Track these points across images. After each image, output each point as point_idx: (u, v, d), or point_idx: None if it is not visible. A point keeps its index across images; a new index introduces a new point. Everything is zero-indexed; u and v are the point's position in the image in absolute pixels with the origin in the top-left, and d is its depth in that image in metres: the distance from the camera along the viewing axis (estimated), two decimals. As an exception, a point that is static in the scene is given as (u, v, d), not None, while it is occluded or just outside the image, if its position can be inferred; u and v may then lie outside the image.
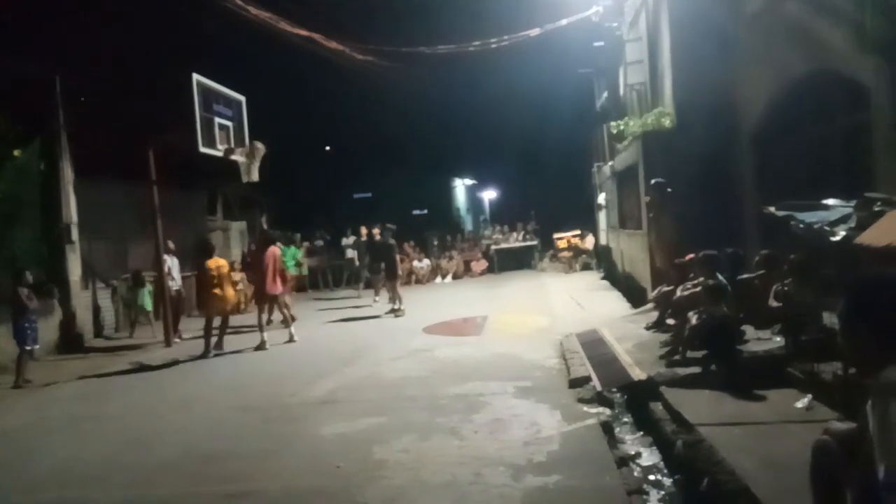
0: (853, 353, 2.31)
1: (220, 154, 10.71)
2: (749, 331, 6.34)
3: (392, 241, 13.18)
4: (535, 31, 13.75)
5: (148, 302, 12.16)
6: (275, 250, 10.44)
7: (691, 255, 7.14)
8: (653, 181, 9.35)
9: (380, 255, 13.65)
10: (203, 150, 10.14)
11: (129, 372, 8.95)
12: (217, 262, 10.03)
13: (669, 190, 9.04)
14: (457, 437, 5.08)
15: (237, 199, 19.04)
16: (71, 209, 11.40)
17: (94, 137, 12.22)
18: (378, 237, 14.29)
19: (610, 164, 14.99)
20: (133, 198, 12.37)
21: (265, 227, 11.45)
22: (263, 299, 10.32)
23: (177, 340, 10.91)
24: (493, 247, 21.36)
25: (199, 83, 10.12)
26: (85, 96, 12.28)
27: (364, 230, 17.22)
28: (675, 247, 8.46)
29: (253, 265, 11.54)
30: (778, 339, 5.89)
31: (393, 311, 12.59)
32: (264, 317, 10.34)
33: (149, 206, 10.89)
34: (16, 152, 10.82)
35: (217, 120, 10.62)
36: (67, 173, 11.38)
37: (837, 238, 4.85)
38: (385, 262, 13.26)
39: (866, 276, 2.54)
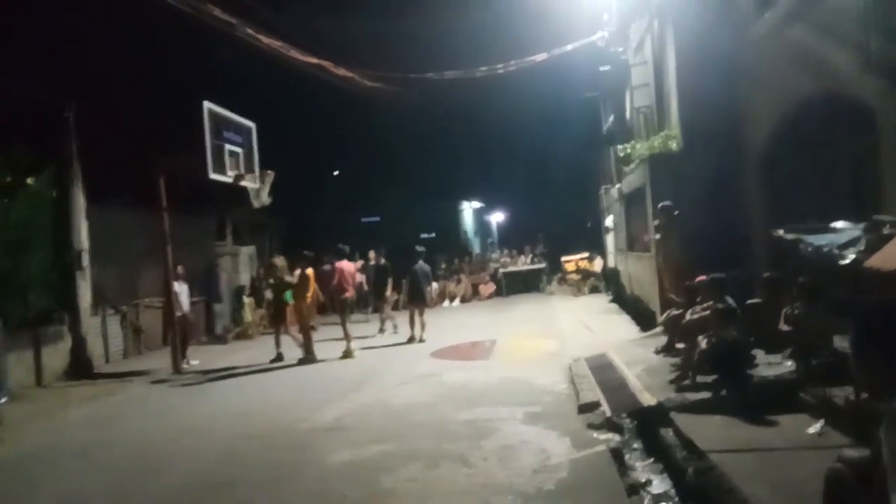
0: (866, 379, 2.29)
1: (230, 180, 10.82)
2: (759, 355, 6.27)
3: (385, 264, 13.70)
4: (541, 56, 13.89)
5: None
6: (344, 264, 11.69)
7: (702, 278, 7.10)
8: (660, 204, 9.35)
9: (378, 278, 13.90)
10: (213, 176, 10.25)
11: (137, 398, 8.95)
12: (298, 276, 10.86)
13: (676, 213, 9.03)
14: (465, 464, 5.03)
15: (246, 224, 19.15)
16: (82, 235, 11.49)
17: (106, 164, 12.37)
18: (373, 261, 15.14)
19: (617, 186, 15.01)
20: (143, 223, 12.47)
21: (340, 245, 12.11)
22: (343, 309, 11.26)
23: (185, 366, 10.91)
24: (501, 270, 21.33)
25: (210, 111, 10.27)
26: (97, 123, 12.45)
27: (372, 254, 17.23)
28: (683, 270, 8.42)
29: (323, 279, 11.95)
30: (789, 363, 5.82)
31: (380, 330, 13.29)
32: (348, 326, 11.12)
33: (159, 231, 10.97)
34: (29, 180, 10.94)
35: (227, 146, 10.74)
36: (79, 200, 11.49)
37: (847, 261, 4.82)
38: (378, 285, 13.75)
39: (876, 301, 2.53)
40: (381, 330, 13.27)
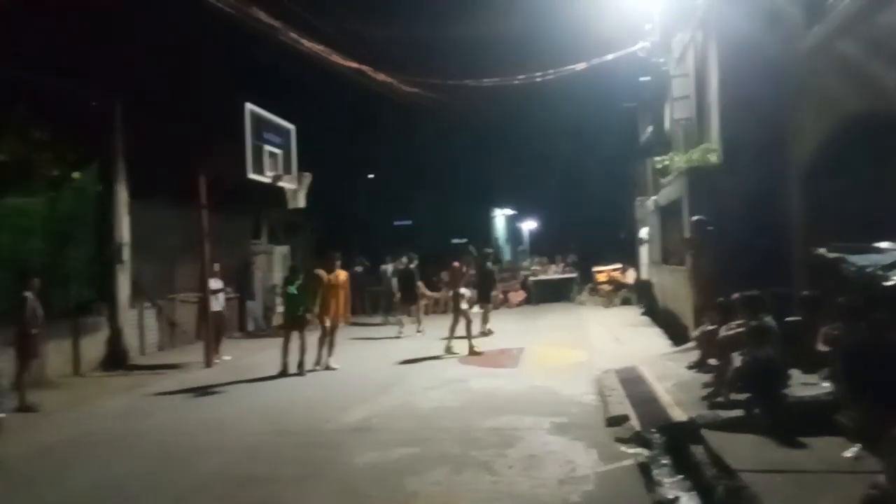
0: (858, 414, 2.29)
1: (268, 181, 10.99)
2: (796, 374, 6.13)
3: (411, 268, 14.89)
4: (581, 65, 13.84)
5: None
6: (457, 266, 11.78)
7: (737, 295, 6.98)
8: (694, 218, 9.24)
9: (405, 283, 14.98)
10: (252, 176, 10.41)
11: (170, 391, 9.13)
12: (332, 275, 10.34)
13: (710, 228, 8.91)
14: (490, 471, 5.02)
15: (281, 224, 19.42)
16: (124, 230, 11.79)
17: (149, 161, 12.67)
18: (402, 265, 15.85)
19: (653, 198, 14.84)
20: (182, 220, 12.73)
21: (473, 250, 12.77)
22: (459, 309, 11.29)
23: (217, 361, 11.09)
24: (532, 278, 21.22)
25: (251, 112, 10.44)
26: (142, 121, 12.77)
27: (405, 258, 17.37)
28: (714, 285, 8.30)
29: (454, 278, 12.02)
30: (826, 384, 5.67)
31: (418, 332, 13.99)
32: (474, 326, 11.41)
33: (197, 228, 11.19)
34: (74, 174, 11.28)
35: (266, 147, 10.91)
36: (122, 195, 11.79)
37: (891, 283, 4.70)
38: (407, 288, 14.81)
39: (853, 344, 2.50)
40: (418, 330, 14.05)
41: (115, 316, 11.52)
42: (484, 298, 13.90)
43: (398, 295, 15.63)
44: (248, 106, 10.40)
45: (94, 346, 11.06)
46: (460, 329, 11.07)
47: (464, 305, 11.27)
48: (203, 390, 9.04)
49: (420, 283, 15.30)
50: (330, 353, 10.21)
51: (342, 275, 10.61)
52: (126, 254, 11.79)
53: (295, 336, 10.02)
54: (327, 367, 10.06)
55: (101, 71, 11.80)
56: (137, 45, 13.21)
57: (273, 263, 17.97)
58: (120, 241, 11.68)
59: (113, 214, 11.64)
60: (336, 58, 11.47)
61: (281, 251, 18.67)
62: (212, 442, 6.35)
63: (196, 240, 11.33)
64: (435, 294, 17.33)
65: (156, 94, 13.64)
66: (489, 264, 13.82)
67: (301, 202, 12.02)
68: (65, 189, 11.09)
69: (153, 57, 13.52)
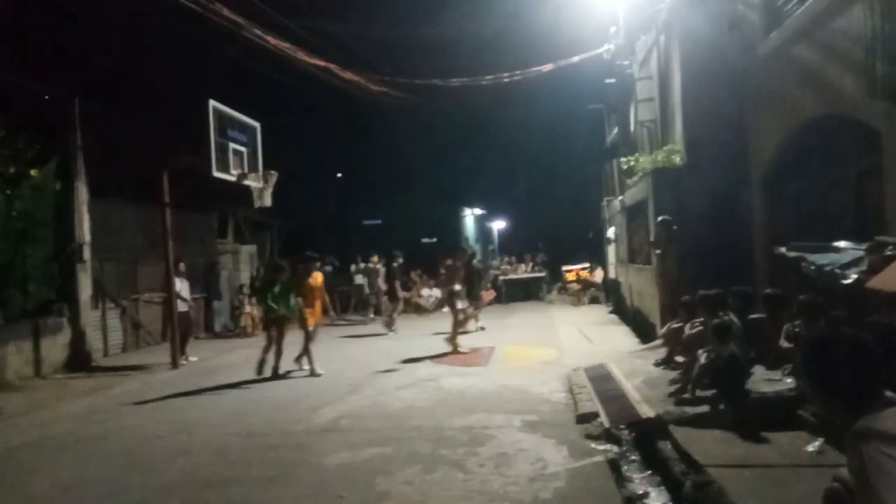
0: (820, 408, 2.35)
1: (233, 179, 10.84)
2: (760, 371, 6.29)
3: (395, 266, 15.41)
4: (547, 67, 13.98)
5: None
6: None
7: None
8: (659, 218, 9.40)
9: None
10: (217, 174, 10.27)
11: (135, 393, 8.94)
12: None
13: (675, 227, 9.08)
14: (462, 470, 5.03)
15: (248, 223, 19.19)
16: (84, 229, 11.51)
17: (110, 158, 12.41)
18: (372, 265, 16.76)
19: (620, 198, 15.05)
20: (145, 219, 12.50)
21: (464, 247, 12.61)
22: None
23: (183, 362, 10.90)
24: (502, 277, 21.34)
25: (215, 109, 10.29)
26: (102, 118, 12.49)
27: (375, 257, 17.46)
28: (679, 284, 8.46)
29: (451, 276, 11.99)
30: (789, 380, 5.84)
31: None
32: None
33: (160, 227, 10.98)
34: (32, 171, 10.97)
35: (231, 145, 10.77)
36: (82, 193, 11.50)
37: (849, 281, 4.85)
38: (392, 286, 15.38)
39: (814, 337, 2.57)
40: (392, 330, 14.29)
41: (76, 316, 11.24)
42: (473, 297, 13.84)
43: (384, 294, 16.01)
44: (212, 103, 10.25)
45: (55, 347, 10.78)
46: (467, 324, 11.18)
47: (459, 304, 11.28)
48: (169, 392, 8.87)
49: (396, 283, 15.34)
50: (310, 359, 9.48)
51: (319, 277, 10.12)
52: (87, 253, 11.51)
53: (274, 336, 9.52)
54: (312, 374, 9.33)
55: (60, 65, 11.52)
56: (98, 39, 12.92)
57: (240, 263, 17.73)
58: (80, 240, 11.40)
59: (73, 213, 11.35)
60: (302, 55, 11.36)
61: (248, 250, 18.44)
62: (178, 444, 6.24)
63: (160, 239, 11.11)
64: (406, 294, 17.33)
65: (117, 89, 13.36)
66: (475, 262, 14.08)
67: (267, 201, 11.89)
68: (22, 187, 10.79)
69: (114, 52, 13.25)
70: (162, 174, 10.90)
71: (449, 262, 11.84)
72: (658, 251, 9.63)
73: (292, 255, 10.73)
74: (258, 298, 9.72)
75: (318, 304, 9.88)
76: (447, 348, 10.87)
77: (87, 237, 11.56)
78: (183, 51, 15.25)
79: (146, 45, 14.33)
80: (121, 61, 13.93)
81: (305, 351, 9.55)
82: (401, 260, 15.72)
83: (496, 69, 14.12)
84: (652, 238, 9.98)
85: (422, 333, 14.20)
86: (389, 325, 14.40)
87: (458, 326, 11.16)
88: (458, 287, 11.52)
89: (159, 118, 14.17)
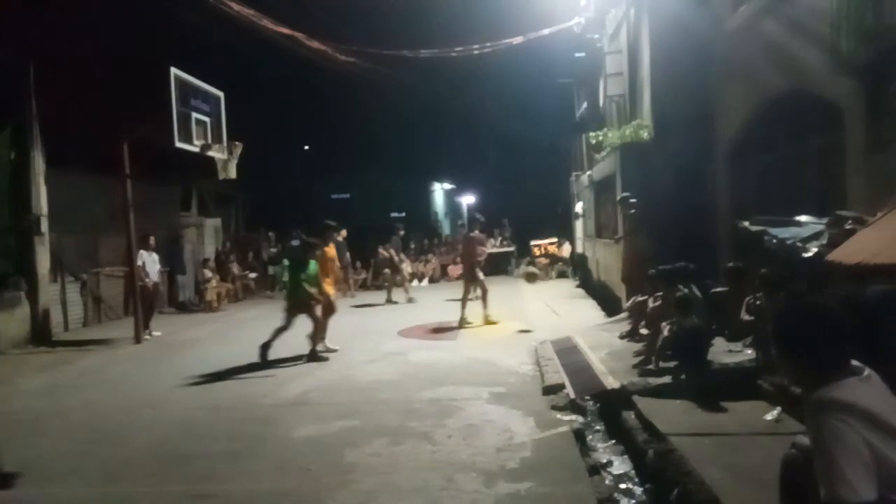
0: (788, 375, 2.40)
1: (196, 150, 10.58)
2: (721, 342, 6.43)
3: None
4: (517, 39, 13.86)
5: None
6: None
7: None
8: (619, 195, 9.50)
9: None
10: (179, 144, 10.02)
11: (96, 368, 8.77)
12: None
13: (633, 201, 9.19)
14: (429, 441, 5.06)
15: (212, 195, 18.83)
16: (41, 201, 11.15)
17: (68, 128, 11.98)
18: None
19: (588, 173, 15.13)
20: (105, 191, 12.14)
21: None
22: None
23: (147, 337, 10.72)
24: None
25: (176, 77, 10.00)
26: (59, 85, 12.02)
27: (343, 232, 17.25)
28: (642, 259, 8.57)
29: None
30: (749, 351, 5.98)
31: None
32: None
33: (121, 199, 10.69)
34: (-16, 141, 10.56)
35: (194, 115, 10.50)
36: (38, 164, 11.12)
37: (809, 254, 4.95)
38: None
39: (788, 304, 2.63)
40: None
41: (35, 290, 10.95)
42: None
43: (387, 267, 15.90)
44: (174, 70, 9.95)
45: (13, 322, 10.50)
46: (483, 298, 10.97)
47: (481, 276, 11.05)
48: (132, 367, 8.73)
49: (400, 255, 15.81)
50: (324, 336, 8.93)
51: (332, 248, 9.52)
52: (44, 225, 11.17)
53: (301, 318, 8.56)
54: (326, 349, 8.83)
55: (13, 29, 11.03)
56: (54, 1, 12.40)
57: (204, 236, 17.41)
58: (37, 212, 11.05)
59: (29, 184, 10.98)
60: (267, 22, 11.06)
61: (212, 223, 18.12)
62: (142, 419, 6.15)
63: (121, 211, 10.83)
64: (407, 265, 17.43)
65: (74, 55, 12.86)
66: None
67: (232, 173, 11.65)
68: (-26, 157, 10.38)
69: (71, 16, 12.73)
70: (122, 144, 10.57)
71: (471, 234, 11.45)
72: (624, 227, 9.72)
73: (324, 227, 9.59)
74: (290, 283, 8.68)
75: (332, 276, 9.36)
76: (420, 322, 10.86)
77: (45, 209, 11.21)
78: (144, 16, 14.73)
79: (105, 10, 13.78)
80: (78, 26, 13.38)
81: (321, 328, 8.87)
82: (402, 232, 15.92)
83: (466, 41, 13.96)
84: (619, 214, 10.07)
85: (389, 307, 14.23)
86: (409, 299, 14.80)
87: (487, 298, 10.98)
88: (481, 258, 11.28)
89: (119, 86, 13.70)
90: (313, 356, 8.41)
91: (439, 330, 10.58)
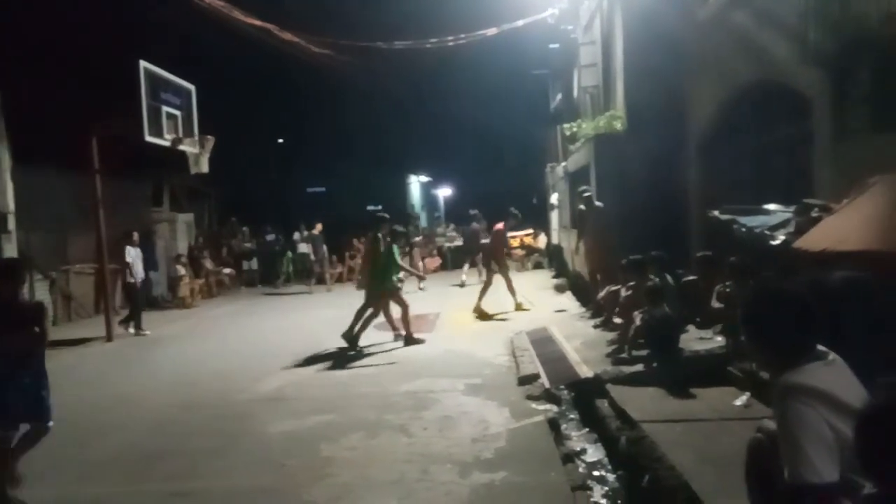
0: (757, 358, 2.45)
1: (167, 143, 10.43)
2: (692, 330, 6.53)
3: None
4: (492, 31, 13.84)
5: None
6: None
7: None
8: (579, 189, 9.62)
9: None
10: (149, 138, 9.86)
11: (68, 366, 8.62)
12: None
13: (588, 195, 9.34)
14: (406, 434, 5.07)
15: (184, 191, 18.57)
16: (7, 197, 10.89)
17: (35, 122, 11.73)
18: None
19: (563, 164, 15.20)
20: (74, 187, 11.91)
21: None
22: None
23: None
24: (448, 244, 21.38)
25: (146, 70, 9.83)
26: (25, 79, 11.76)
27: (319, 225, 17.23)
28: (606, 250, 8.67)
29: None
30: (719, 339, 6.08)
31: None
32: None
33: (91, 195, 10.49)
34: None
35: (165, 109, 10.34)
36: (5, 159, 10.86)
37: (777, 242, 5.03)
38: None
39: (756, 291, 2.69)
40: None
41: (2, 290, 10.69)
42: (485, 265, 13.66)
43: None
44: (143, 64, 9.78)
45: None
46: (511, 286, 11.14)
47: (496, 267, 11.18)
48: (105, 365, 8.62)
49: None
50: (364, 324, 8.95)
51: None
52: (11, 223, 10.91)
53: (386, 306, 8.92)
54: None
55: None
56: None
57: (176, 232, 17.16)
58: (4, 209, 10.80)
59: (-6, 180, 10.73)
60: (237, 14, 10.91)
61: (184, 219, 17.86)
62: (117, 418, 6.07)
63: (90, 207, 10.63)
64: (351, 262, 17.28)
65: (42, 49, 12.60)
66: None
67: (204, 167, 11.50)
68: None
69: (39, 7, 12.45)
70: (91, 139, 10.38)
71: (498, 226, 11.60)
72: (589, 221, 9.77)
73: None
74: (382, 272, 8.73)
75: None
76: (397, 314, 10.81)
77: (12, 206, 10.95)
78: (113, 9, 14.45)
79: (73, 2, 13.51)
80: (46, 18, 13.09)
81: (390, 318, 9.15)
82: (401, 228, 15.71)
83: (441, 33, 13.92)
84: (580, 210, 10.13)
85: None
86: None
87: (512, 286, 11.15)
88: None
89: (88, 80, 13.46)
90: (410, 340, 8.67)
91: (416, 322, 10.55)
